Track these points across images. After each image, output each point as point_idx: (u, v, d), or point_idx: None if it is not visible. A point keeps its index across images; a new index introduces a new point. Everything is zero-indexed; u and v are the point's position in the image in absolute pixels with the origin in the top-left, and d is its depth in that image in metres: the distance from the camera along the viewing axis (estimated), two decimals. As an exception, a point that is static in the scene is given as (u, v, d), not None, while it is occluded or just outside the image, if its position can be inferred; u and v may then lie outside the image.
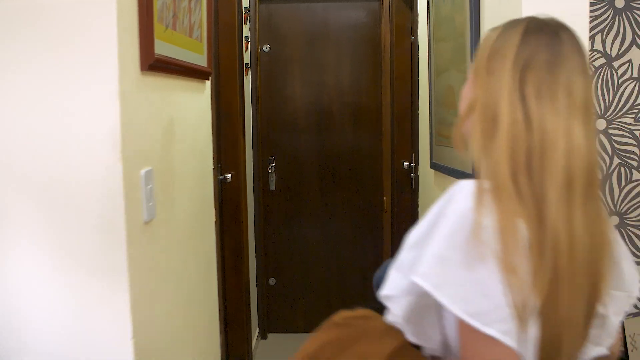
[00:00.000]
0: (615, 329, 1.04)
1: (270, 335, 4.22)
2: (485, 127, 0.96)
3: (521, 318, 0.87)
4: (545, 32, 0.97)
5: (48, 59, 1.18)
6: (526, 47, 0.95)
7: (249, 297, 3.65)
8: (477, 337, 0.87)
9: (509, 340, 0.86)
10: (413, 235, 1.05)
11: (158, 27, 1.40)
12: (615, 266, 1.00)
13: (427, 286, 0.89)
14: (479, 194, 0.92)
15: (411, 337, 1.02)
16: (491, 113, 0.95)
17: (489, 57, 0.98)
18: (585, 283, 0.92)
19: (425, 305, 0.96)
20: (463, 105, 1.07)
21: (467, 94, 1.06)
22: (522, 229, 0.89)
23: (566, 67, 0.94)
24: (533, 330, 0.90)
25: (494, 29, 1.02)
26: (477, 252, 0.87)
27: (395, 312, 1.01)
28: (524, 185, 0.91)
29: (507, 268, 0.86)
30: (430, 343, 1.02)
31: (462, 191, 0.95)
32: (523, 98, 0.92)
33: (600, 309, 0.97)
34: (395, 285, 1.01)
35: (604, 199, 1.99)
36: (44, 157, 1.20)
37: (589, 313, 0.95)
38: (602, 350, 1.03)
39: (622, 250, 1.05)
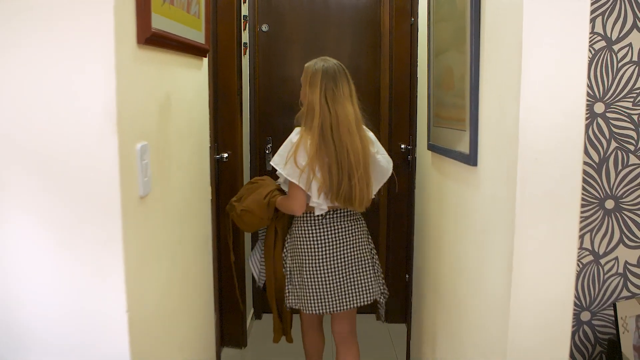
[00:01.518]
0: (373, 190, 2.56)
1: (264, 316, 4.24)
2: (309, 113, 2.41)
3: (307, 178, 2.37)
4: (330, 73, 2.45)
5: (44, 30, 1.17)
6: (322, 80, 2.42)
7: (244, 277, 3.66)
8: (291, 184, 2.38)
9: (300, 185, 2.36)
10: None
11: (155, 0, 1.39)
12: (374, 164, 2.52)
13: (275, 165, 2.41)
14: (307, 136, 2.37)
15: (284, 188, 2.53)
16: (311, 107, 2.40)
17: (310, 81, 2.45)
18: (351, 167, 2.39)
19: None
20: (303, 97, 2.52)
21: (302, 93, 2.52)
22: (305, 145, 2.36)
23: (337, 86, 2.42)
24: (315, 186, 2.39)
25: (311, 66, 2.51)
26: (293, 151, 2.35)
27: (280, 180, 2.57)
28: (327, 135, 2.37)
29: (297, 159, 2.36)
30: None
31: (294, 135, 2.42)
32: (325, 101, 2.39)
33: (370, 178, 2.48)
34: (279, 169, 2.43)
35: (599, 182, 1.99)
36: (40, 130, 1.19)
37: (361, 178, 2.42)
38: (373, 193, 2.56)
39: (378, 157, 2.55)
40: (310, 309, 2.52)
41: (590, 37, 1.90)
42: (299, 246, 2.53)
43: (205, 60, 2.09)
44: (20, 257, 1.23)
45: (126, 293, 1.25)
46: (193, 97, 1.91)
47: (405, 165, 3.91)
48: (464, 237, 1.87)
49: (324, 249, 2.51)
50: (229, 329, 3.62)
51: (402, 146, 3.88)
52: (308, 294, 2.52)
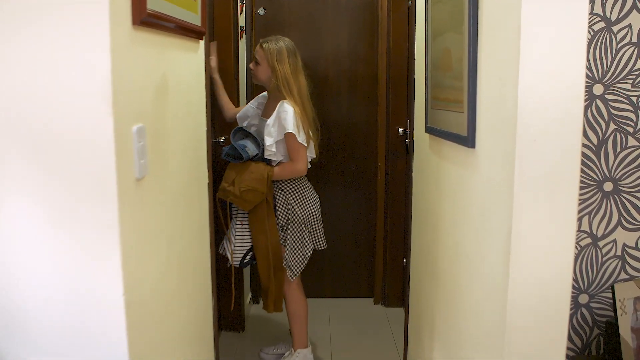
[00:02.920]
0: None
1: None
2: (285, 86, 2.91)
3: (307, 140, 2.93)
4: (291, 49, 2.96)
5: (39, 12, 1.15)
6: (289, 56, 2.94)
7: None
8: (297, 143, 2.86)
9: (305, 143, 2.89)
10: (269, 125, 2.88)
11: (150, -19, 1.37)
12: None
13: (291, 131, 2.82)
14: (295, 104, 2.88)
15: (280, 158, 2.94)
16: (286, 80, 2.91)
17: (278, 58, 2.92)
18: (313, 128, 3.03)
19: (282, 142, 2.89)
20: (261, 75, 3.02)
21: (264, 70, 2.98)
22: (299, 113, 2.90)
23: (297, 60, 2.99)
24: (312, 145, 3.00)
25: (272, 46, 2.94)
26: (301, 121, 2.88)
27: (272, 150, 2.88)
28: (302, 101, 2.93)
29: (301, 124, 2.88)
30: (279, 157, 2.93)
31: (288, 105, 2.86)
32: (294, 73, 2.94)
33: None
34: (271, 141, 2.87)
35: (598, 164, 1.99)
36: (35, 112, 1.18)
37: (317, 138, 3.10)
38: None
39: None
40: (323, 244, 3.17)
41: (589, 18, 1.89)
42: (306, 196, 3.05)
43: (202, 43, 2.07)
44: (17, 239, 1.23)
45: (123, 276, 1.25)
46: (190, 79, 1.90)
47: (403, 149, 3.90)
48: (462, 220, 1.86)
49: (315, 194, 3.15)
50: (227, 313, 3.62)
51: (400, 130, 3.87)
52: (320, 232, 3.15)
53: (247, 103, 3.96)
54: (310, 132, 2.96)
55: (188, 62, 1.87)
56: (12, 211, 1.22)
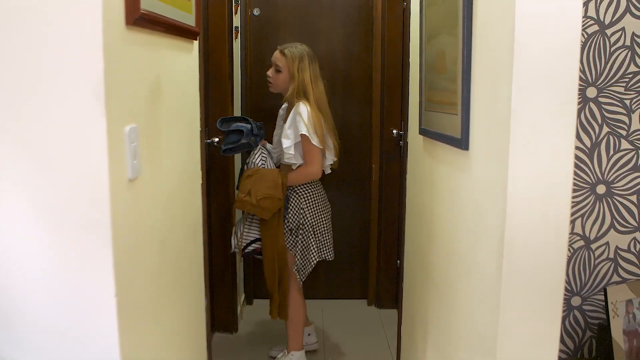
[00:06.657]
0: None
1: (255, 301, 4.24)
2: (301, 92, 2.94)
3: (322, 143, 2.92)
4: (311, 56, 3.00)
5: (31, 10, 1.15)
6: (310, 63, 2.98)
7: (235, 262, 3.66)
8: (311, 145, 2.89)
9: (319, 146, 2.91)
10: (286, 128, 2.96)
11: (144, -19, 1.37)
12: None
13: (304, 133, 2.86)
14: (311, 108, 2.91)
15: (298, 161, 2.97)
16: (304, 88, 2.95)
17: (300, 65, 2.95)
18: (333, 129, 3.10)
19: (300, 145, 2.92)
20: (283, 83, 3.04)
21: (285, 79, 3.01)
22: (315, 116, 2.91)
23: (317, 67, 3.02)
24: (330, 142, 3.04)
25: (293, 52, 2.98)
26: (316, 124, 2.89)
27: (291, 152, 2.93)
28: (319, 105, 2.97)
29: (315, 127, 2.89)
30: (299, 160, 2.97)
31: (304, 107, 2.89)
32: (313, 80, 2.97)
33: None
34: (289, 143, 2.92)
35: (591, 167, 1.99)
36: (26, 111, 1.17)
37: (338, 140, 3.13)
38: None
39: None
40: (330, 255, 3.14)
41: (583, 22, 1.89)
42: (318, 203, 3.08)
43: (196, 43, 2.07)
44: (7, 239, 1.22)
45: (115, 277, 1.24)
46: (183, 80, 1.90)
47: (397, 150, 3.90)
48: (455, 222, 1.86)
49: (327, 202, 3.18)
50: (220, 314, 3.62)
51: (394, 131, 3.87)
52: (328, 241, 3.14)
53: (241, 104, 3.97)
54: (330, 136, 3.00)
55: (182, 62, 1.87)
56: (2, 212, 1.21)
